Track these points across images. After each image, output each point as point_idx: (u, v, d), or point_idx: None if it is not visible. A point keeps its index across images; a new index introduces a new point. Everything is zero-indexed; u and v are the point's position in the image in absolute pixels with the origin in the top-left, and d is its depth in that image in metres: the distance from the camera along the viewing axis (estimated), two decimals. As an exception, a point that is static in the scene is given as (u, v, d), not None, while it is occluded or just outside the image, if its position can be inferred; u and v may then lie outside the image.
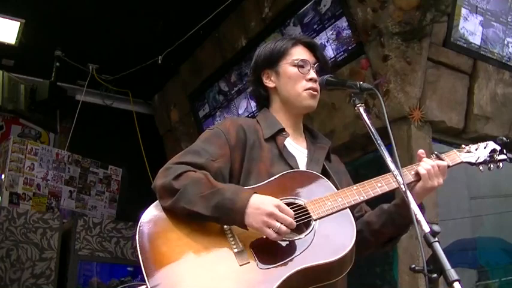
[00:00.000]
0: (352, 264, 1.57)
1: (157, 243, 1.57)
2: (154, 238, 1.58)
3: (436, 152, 1.79)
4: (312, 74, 1.83)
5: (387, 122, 1.56)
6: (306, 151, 1.84)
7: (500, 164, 1.84)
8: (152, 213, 1.63)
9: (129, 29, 4.89)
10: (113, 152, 5.76)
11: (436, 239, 1.33)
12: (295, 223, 1.51)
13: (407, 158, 3.35)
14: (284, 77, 1.85)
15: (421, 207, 1.70)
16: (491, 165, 1.83)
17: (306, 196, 1.63)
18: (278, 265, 1.49)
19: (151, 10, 4.73)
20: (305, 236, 1.54)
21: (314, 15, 4.06)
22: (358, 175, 1.89)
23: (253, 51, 1.99)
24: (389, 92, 3.59)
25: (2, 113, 5.63)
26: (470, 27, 3.81)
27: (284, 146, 1.78)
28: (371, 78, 3.69)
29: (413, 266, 1.36)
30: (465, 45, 3.80)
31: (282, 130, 1.82)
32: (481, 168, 1.83)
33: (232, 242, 1.54)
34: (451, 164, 1.76)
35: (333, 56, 3.91)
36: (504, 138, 1.85)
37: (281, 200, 1.60)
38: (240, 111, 4.92)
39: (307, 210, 1.59)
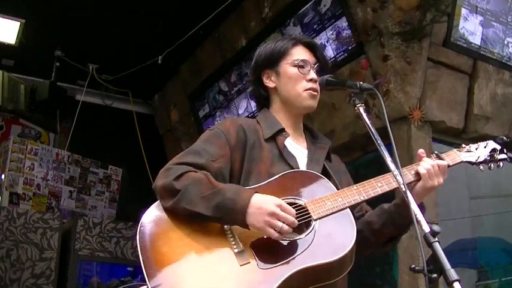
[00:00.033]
0: (352, 264, 1.57)
1: (158, 243, 1.57)
2: (155, 238, 1.58)
3: (436, 152, 1.79)
4: (312, 75, 1.83)
5: (387, 122, 1.56)
6: (306, 151, 1.84)
7: (501, 164, 1.83)
8: (153, 214, 1.63)
9: (129, 29, 4.89)
10: (113, 152, 5.76)
11: (436, 239, 1.33)
12: (297, 222, 1.51)
13: (407, 158, 3.35)
14: (284, 77, 1.85)
15: (421, 207, 1.71)
16: (492, 165, 1.83)
17: (306, 196, 1.63)
18: (278, 265, 1.49)
19: (151, 10, 4.73)
20: (305, 236, 1.54)
21: (314, 15, 4.06)
22: (358, 175, 1.89)
23: (253, 51, 1.99)
24: (389, 92, 3.59)
25: (2, 113, 5.63)
26: (470, 27, 3.81)
27: (284, 146, 1.78)
28: (371, 78, 3.69)
29: (413, 266, 1.36)
30: (465, 45, 3.80)
31: (282, 130, 1.82)
32: (481, 167, 1.83)
33: (233, 242, 1.54)
34: (451, 164, 1.76)
35: (333, 56, 3.91)
36: (504, 138, 1.85)
37: (281, 200, 1.61)
38: (240, 111, 4.92)
39: (307, 210, 1.59)
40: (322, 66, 1.88)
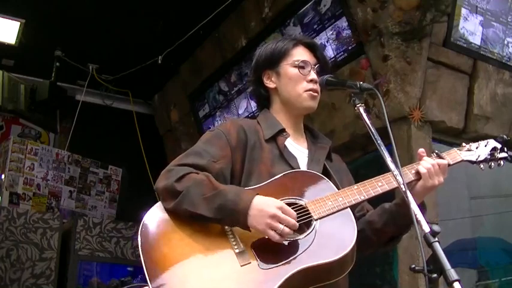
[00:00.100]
0: (353, 264, 1.57)
1: (160, 244, 1.58)
2: (157, 239, 1.59)
3: (436, 151, 1.79)
4: (313, 75, 1.83)
5: (387, 122, 1.56)
6: (306, 151, 1.84)
7: (501, 162, 1.83)
8: (154, 214, 1.63)
9: (129, 29, 4.89)
10: (113, 152, 5.76)
11: (436, 239, 1.33)
12: (297, 224, 1.52)
13: (407, 158, 3.35)
14: (285, 77, 1.86)
15: (422, 206, 1.71)
16: (492, 164, 1.83)
17: (306, 196, 1.63)
18: (279, 265, 1.49)
19: (151, 10, 4.73)
20: (306, 236, 1.55)
21: (314, 15, 4.06)
22: (358, 175, 1.89)
23: (253, 51, 1.99)
24: (389, 92, 3.59)
25: (2, 113, 5.63)
26: (470, 27, 3.81)
27: (285, 146, 1.79)
28: (371, 78, 3.69)
29: (413, 266, 1.36)
30: (465, 45, 3.80)
31: (283, 131, 1.82)
32: (481, 166, 1.82)
33: (234, 243, 1.55)
34: (451, 163, 1.76)
35: (333, 56, 3.91)
36: (505, 136, 1.85)
37: (282, 200, 1.61)
38: (240, 111, 4.92)
39: (308, 210, 1.59)
40: (323, 66, 1.88)
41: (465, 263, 4.67)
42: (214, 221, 1.56)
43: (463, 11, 3.75)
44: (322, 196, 1.62)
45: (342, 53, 3.90)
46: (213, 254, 1.54)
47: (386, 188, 1.66)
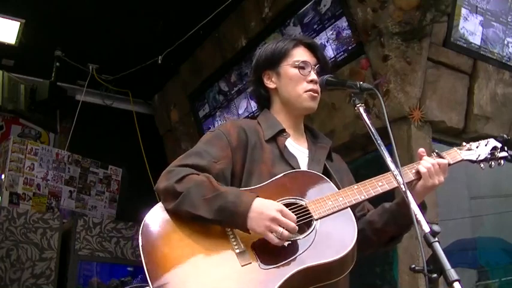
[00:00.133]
0: (354, 264, 1.57)
1: (160, 244, 1.58)
2: (157, 239, 1.59)
3: (436, 150, 1.79)
4: (313, 76, 1.84)
5: (387, 122, 1.56)
6: (307, 151, 1.84)
7: (502, 161, 1.83)
8: (155, 215, 1.64)
9: (129, 29, 4.89)
10: (113, 152, 5.76)
11: (436, 239, 1.33)
12: (297, 228, 1.52)
13: (407, 158, 3.35)
14: (285, 78, 1.86)
15: (423, 206, 1.71)
16: (493, 163, 1.82)
17: (307, 196, 1.64)
18: (279, 265, 1.49)
19: (151, 10, 4.73)
20: (306, 235, 1.55)
21: (314, 15, 4.06)
22: (359, 175, 1.89)
23: (253, 51, 2.00)
24: (389, 92, 3.59)
25: (2, 113, 5.62)
26: (470, 27, 3.81)
27: (285, 146, 1.79)
28: (371, 78, 3.69)
29: (413, 266, 1.36)
30: (465, 45, 3.80)
31: (283, 131, 1.82)
32: (482, 165, 1.82)
33: (234, 243, 1.55)
34: (451, 162, 1.76)
35: (333, 56, 3.91)
36: (505, 136, 1.85)
37: (282, 200, 1.61)
38: (240, 111, 4.92)
39: (308, 210, 1.59)
40: (323, 66, 1.88)
41: (465, 263, 4.66)
42: (214, 223, 1.56)
43: (463, 11, 3.75)
44: (322, 196, 1.62)
45: (342, 53, 3.90)
46: (214, 254, 1.54)
47: (387, 187, 1.66)
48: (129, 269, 5.05)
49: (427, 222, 1.38)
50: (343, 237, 1.54)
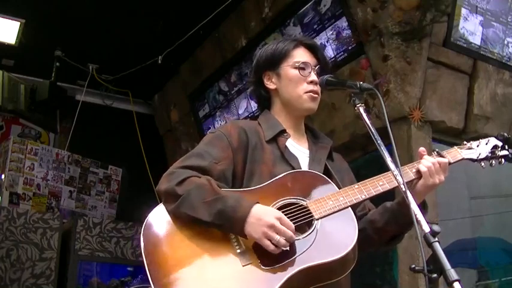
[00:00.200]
0: (355, 264, 1.57)
1: (162, 245, 1.59)
2: (159, 240, 1.60)
3: (437, 149, 1.78)
4: (313, 77, 1.84)
5: (387, 122, 1.56)
6: (307, 151, 1.85)
7: (502, 160, 1.82)
8: (157, 215, 1.65)
9: (129, 29, 4.89)
10: (113, 152, 5.76)
11: (436, 239, 1.33)
12: (295, 237, 1.52)
13: (407, 158, 3.35)
14: (285, 79, 1.86)
15: (423, 206, 1.71)
16: (493, 161, 1.82)
17: (307, 196, 1.64)
18: (280, 265, 1.50)
19: (151, 10, 4.73)
20: (307, 235, 1.55)
21: (314, 15, 4.06)
22: (359, 175, 1.89)
23: (253, 51, 2.00)
24: (389, 92, 3.59)
25: (2, 113, 5.62)
26: (470, 27, 3.81)
27: (285, 147, 1.79)
28: (371, 78, 3.69)
29: (413, 266, 1.36)
30: (465, 45, 3.80)
31: (283, 131, 1.82)
32: (482, 164, 1.82)
33: (235, 243, 1.56)
34: (452, 161, 1.76)
35: (333, 56, 3.91)
36: (505, 134, 1.85)
37: (283, 200, 1.61)
38: (240, 111, 4.92)
39: (309, 210, 1.59)
40: (323, 67, 1.88)
41: (465, 263, 4.66)
42: (212, 226, 1.57)
43: (463, 11, 3.75)
44: (323, 196, 1.63)
45: (342, 53, 3.90)
46: (215, 254, 1.54)
47: (387, 187, 1.66)
48: (129, 269, 5.05)
49: (427, 222, 1.38)
50: (344, 237, 1.54)
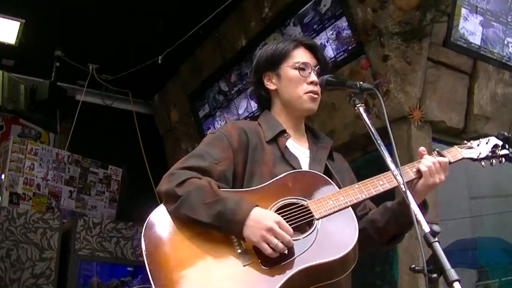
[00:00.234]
0: (355, 263, 1.58)
1: (163, 245, 1.59)
2: (160, 241, 1.60)
3: (437, 149, 1.78)
4: (313, 77, 1.84)
5: (387, 122, 1.56)
6: (308, 151, 1.85)
7: (503, 159, 1.82)
8: (158, 216, 1.65)
9: (129, 29, 4.89)
10: (113, 152, 5.76)
11: (436, 239, 1.33)
12: (293, 242, 1.52)
13: (407, 158, 3.35)
14: (285, 79, 1.86)
15: (424, 206, 1.71)
16: (494, 161, 1.81)
17: (308, 196, 1.64)
18: (281, 265, 1.50)
19: (151, 10, 4.73)
20: (308, 235, 1.55)
21: (314, 15, 4.06)
22: (359, 175, 1.89)
23: (253, 51, 2.00)
24: (390, 92, 3.59)
25: (2, 113, 5.62)
26: (470, 27, 3.81)
27: (286, 147, 1.79)
28: (371, 78, 3.69)
29: (413, 266, 1.36)
30: (465, 45, 3.80)
31: (284, 132, 1.82)
32: (483, 163, 1.81)
33: (236, 243, 1.56)
34: (452, 160, 1.76)
35: (333, 56, 3.91)
36: (506, 133, 1.84)
37: (283, 200, 1.61)
38: (240, 111, 4.92)
39: (309, 210, 1.60)
40: (323, 67, 1.88)
41: (465, 263, 4.66)
42: (211, 227, 1.57)
43: (463, 11, 3.75)
44: (323, 196, 1.63)
45: (342, 53, 3.90)
46: (216, 254, 1.55)
47: (388, 186, 1.66)
48: (129, 269, 5.06)
49: (427, 222, 1.38)
50: (344, 237, 1.54)
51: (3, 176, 5.08)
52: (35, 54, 5.20)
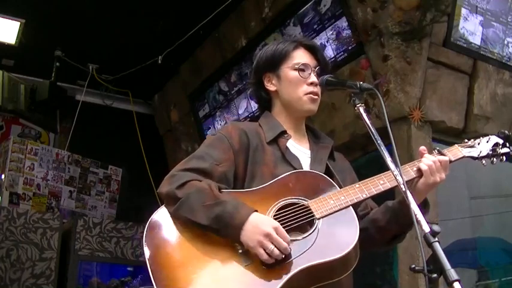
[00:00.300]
0: (357, 263, 1.58)
1: (164, 246, 1.60)
2: (162, 241, 1.61)
3: (437, 148, 1.78)
4: (313, 78, 1.84)
5: (387, 122, 1.56)
6: (308, 152, 1.85)
7: (504, 158, 1.81)
8: (160, 216, 1.66)
9: (129, 29, 4.89)
10: (113, 152, 5.76)
11: (436, 239, 1.33)
12: (289, 249, 1.51)
13: (407, 158, 3.34)
14: (285, 80, 1.86)
15: (425, 205, 1.71)
16: (494, 159, 1.81)
17: (309, 196, 1.64)
18: (282, 265, 1.50)
19: (151, 10, 4.73)
20: (308, 235, 1.55)
21: (314, 15, 4.06)
22: (360, 175, 1.89)
23: (253, 51, 2.00)
24: (389, 92, 3.59)
25: (2, 113, 5.62)
26: (470, 27, 3.81)
27: (286, 148, 1.79)
28: (371, 78, 3.69)
29: (413, 266, 1.36)
30: (465, 45, 3.80)
31: (284, 132, 1.82)
32: (483, 162, 1.81)
33: (237, 244, 1.56)
34: (452, 159, 1.76)
35: (333, 56, 3.91)
36: (506, 132, 1.84)
37: (284, 200, 1.62)
38: (240, 111, 4.92)
39: (310, 210, 1.60)
40: (323, 68, 1.88)
41: (465, 263, 4.66)
42: (209, 230, 1.57)
43: (463, 11, 3.75)
44: (324, 195, 1.63)
45: (342, 53, 3.90)
46: (217, 255, 1.55)
47: (388, 185, 1.66)
48: (129, 269, 5.06)
49: (427, 222, 1.38)
50: (345, 236, 1.55)
51: (3, 176, 5.08)
52: (35, 54, 5.21)
